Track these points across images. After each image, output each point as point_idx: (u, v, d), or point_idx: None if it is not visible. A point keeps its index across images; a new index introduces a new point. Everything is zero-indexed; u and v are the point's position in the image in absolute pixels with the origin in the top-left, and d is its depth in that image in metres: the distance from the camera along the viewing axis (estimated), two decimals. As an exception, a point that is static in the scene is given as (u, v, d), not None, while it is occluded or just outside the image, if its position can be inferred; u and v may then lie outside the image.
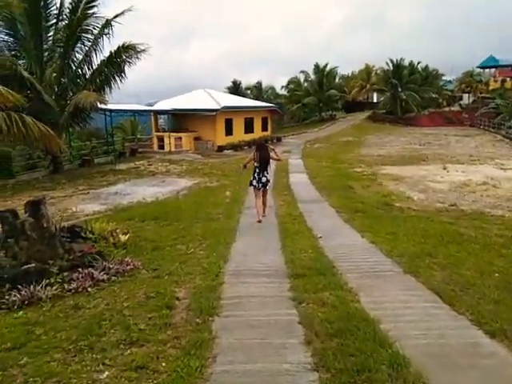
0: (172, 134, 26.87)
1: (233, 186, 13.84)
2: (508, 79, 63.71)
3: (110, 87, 18.33)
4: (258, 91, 51.55)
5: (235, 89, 49.27)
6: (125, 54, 17.98)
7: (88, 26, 17.19)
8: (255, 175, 8.52)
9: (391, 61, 53.69)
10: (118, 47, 17.57)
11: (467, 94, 64.71)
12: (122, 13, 17.61)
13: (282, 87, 57.23)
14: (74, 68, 17.75)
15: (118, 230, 7.05)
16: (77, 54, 17.96)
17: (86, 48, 17.93)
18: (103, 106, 19.19)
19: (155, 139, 28.55)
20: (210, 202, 10.98)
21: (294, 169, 18.10)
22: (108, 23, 17.70)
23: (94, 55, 18.15)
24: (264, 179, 8.48)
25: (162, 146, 27.47)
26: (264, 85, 54.82)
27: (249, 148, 27.95)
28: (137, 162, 20.50)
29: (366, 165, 19.02)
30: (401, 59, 53.55)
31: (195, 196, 12.03)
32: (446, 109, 60.01)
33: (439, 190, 12.67)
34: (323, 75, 51.57)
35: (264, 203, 8.76)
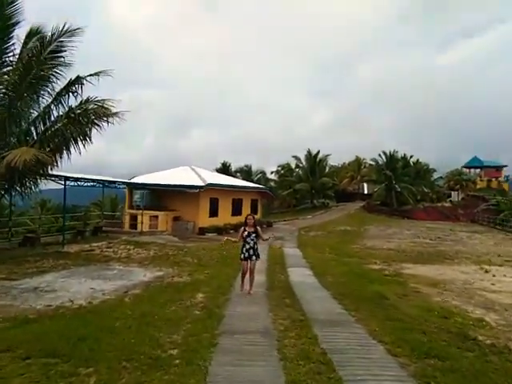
0: (147, 211, 23.05)
1: (210, 283, 9.69)
2: (493, 179, 64.82)
3: (69, 151, 14.73)
4: (247, 174, 49.17)
5: (224, 170, 46.90)
6: (92, 114, 14.75)
7: (46, 75, 14.11)
8: (243, 250, 8.55)
9: (384, 153, 52.79)
10: (81, 102, 14.37)
11: (455, 192, 64.24)
12: (97, 73, 14.69)
13: (272, 172, 55.40)
14: (22, 123, 14.32)
15: None
16: (32, 110, 14.76)
17: (44, 102, 14.80)
18: (57, 173, 15.66)
19: (127, 217, 24.61)
20: (168, 314, 6.74)
21: (292, 260, 14.08)
22: (78, 80, 14.73)
23: (55, 112, 14.97)
24: (251, 251, 8.49)
25: (134, 226, 23.47)
26: (254, 169, 52.77)
27: (235, 232, 24.09)
28: (94, 244, 16.28)
29: (380, 261, 15.12)
30: (394, 151, 52.70)
31: (148, 301, 7.78)
32: (439, 204, 58.44)
33: (509, 305, 8.68)
34: (315, 162, 49.95)
35: (251, 275, 8.57)
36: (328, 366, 4.53)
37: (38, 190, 14.80)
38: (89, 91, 14.79)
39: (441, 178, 69.24)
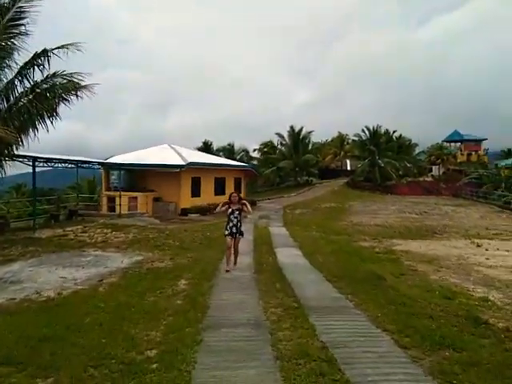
0: (125, 193, 22.01)
1: (193, 267, 9.00)
2: (473, 153, 65.19)
3: (36, 129, 13.58)
4: (230, 153, 48.11)
5: (206, 149, 45.70)
6: (59, 88, 13.57)
7: (5, 46, 12.88)
8: (227, 227, 8.71)
9: (367, 128, 52.18)
10: (47, 76, 13.22)
11: (437, 166, 64.58)
12: (64, 46, 13.43)
13: (255, 150, 54.42)
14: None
15: None
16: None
17: (6, 77, 13.56)
18: (23, 153, 14.53)
19: (104, 199, 23.55)
20: (146, 305, 6.03)
21: (280, 240, 13.47)
22: (44, 53, 13.47)
23: (20, 88, 13.74)
24: (235, 229, 8.62)
25: (112, 208, 22.43)
26: (236, 147, 51.68)
27: (219, 213, 23.35)
28: (68, 228, 15.30)
29: (370, 237, 14.69)
30: (377, 126, 52.18)
31: (124, 290, 7.04)
32: (421, 179, 58.63)
33: (510, 282, 8.26)
34: (299, 139, 49.12)
35: (236, 252, 8.83)
36: (331, 364, 3.90)
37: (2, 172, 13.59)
38: (62, 69, 13.66)
39: (423, 152, 69.41)
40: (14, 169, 16.07)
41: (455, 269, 9.49)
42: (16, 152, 13.44)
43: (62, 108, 13.71)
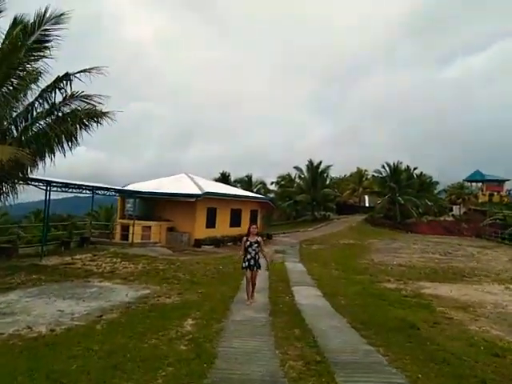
0: (139, 221, 21.50)
1: (202, 305, 8.20)
2: (495, 193, 63.28)
3: (53, 153, 13.28)
4: (247, 184, 47.67)
5: (224, 180, 45.38)
6: (80, 113, 13.34)
7: (29, 68, 12.84)
8: (245, 259, 8.45)
9: (387, 164, 51.34)
10: (65, 98, 13.04)
11: (457, 206, 62.82)
12: (86, 70, 13.28)
13: (273, 183, 53.91)
14: (4, 122, 12.93)
15: None
16: (13, 106, 13.39)
17: (28, 99, 13.46)
18: (39, 177, 14.25)
19: (118, 227, 23.07)
20: (145, 350, 5.24)
21: (297, 277, 12.60)
22: (67, 76, 13.38)
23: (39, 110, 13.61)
24: (252, 261, 8.36)
25: (126, 236, 21.86)
26: (254, 179, 51.28)
27: (234, 245, 22.56)
28: (77, 256, 14.72)
29: (394, 278, 13.64)
30: (398, 162, 51.29)
31: (124, 329, 6.27)
32: (441, 218, 56.87)
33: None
34: (317, 173, 48.54)
35: (253, 285, 8.51)
36: None
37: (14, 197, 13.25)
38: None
39: (443, 191, 67.78)
40: (36, 194, 15.80)
41: (495, 318, 8.44)
42: (31, 176, 13.17)
43: (87, 138, 13.48)
